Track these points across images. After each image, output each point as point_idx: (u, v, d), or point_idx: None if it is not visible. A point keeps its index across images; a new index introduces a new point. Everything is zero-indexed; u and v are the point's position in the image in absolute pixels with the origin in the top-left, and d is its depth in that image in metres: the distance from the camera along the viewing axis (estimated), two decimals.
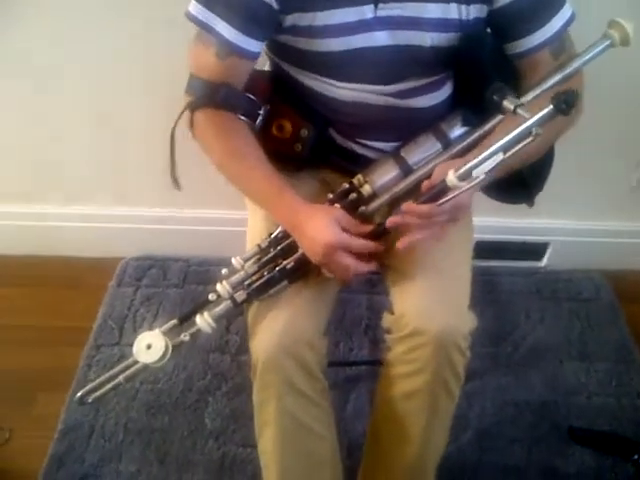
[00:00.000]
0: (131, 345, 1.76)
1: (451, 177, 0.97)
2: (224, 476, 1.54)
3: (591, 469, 1.57)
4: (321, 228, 1.06)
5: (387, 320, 1.17)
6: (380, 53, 1.10)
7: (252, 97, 1.17)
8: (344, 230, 1.07)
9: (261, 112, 1.18)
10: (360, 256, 1.09)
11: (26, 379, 1.75)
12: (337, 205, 1.13)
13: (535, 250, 2.10)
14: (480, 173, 0.96)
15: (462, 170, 0.96)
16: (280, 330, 1.11)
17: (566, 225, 2.03)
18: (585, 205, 1.99)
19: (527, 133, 0.92)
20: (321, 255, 1.07)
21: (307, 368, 1.13)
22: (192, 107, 1.12)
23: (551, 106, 0.89)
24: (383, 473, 1.28)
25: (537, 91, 1.01)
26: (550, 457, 1.59)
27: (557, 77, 1.01)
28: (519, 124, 0.93)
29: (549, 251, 2.09)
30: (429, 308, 1.12)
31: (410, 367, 1.13)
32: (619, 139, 1.82)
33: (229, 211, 1.97)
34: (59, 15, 1.62)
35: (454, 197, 0.99)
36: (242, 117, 1.15)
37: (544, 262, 2.12)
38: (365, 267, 1.10)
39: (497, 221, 2.00)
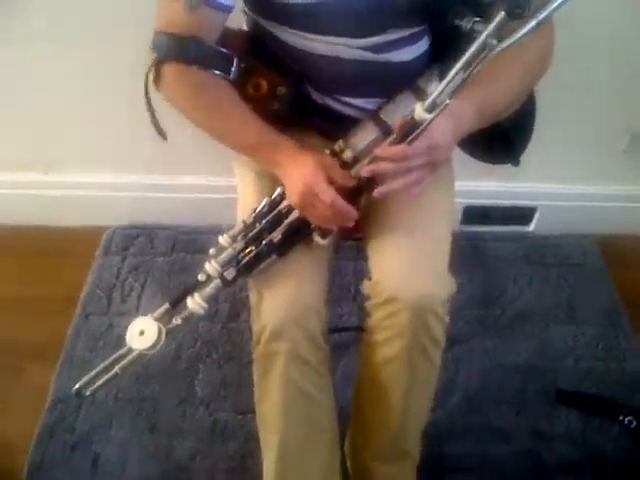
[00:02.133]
0: (119, 314, 1.80)
1: (419, 110, 0.95)
2: (215, 443, 1.55)
3: (577, 430, 1.59)
4: (304, 170, 1.05)
5: (366, 286, 1.17)
6: (352, 3, 1.07)
7: (224, 50, 1.13)
8: (330, 177, 1.05)
9: (234, 67, 1.13)
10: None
11: (15, 350, 1.74)
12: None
13: (523, 215, 2.10)
14: (444, 99, 0.94)
15: (429, 101, 0.94)
16: (287, 299, 1.11)
17: (554, 189, 2.03)
18: (573, 169, 1.98)
19: (483, 46, 0.90)
20: (298, 198, 1.05)
21: (312, 336, 1.13)
22: (159, 61, 1.08)
23: (503, 12, 0.86)
24: (366, 437, 1.30)
25: (511, 39, 0.96)
26: (537, 419, 1.61)
27: (532, 23, 0.98)
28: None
29: (537, 216, 2.09)
30: (405, 274, 1.11)
31: (388, 333, 1.13)
32: (609, 103, 1.81)
33: (217, 178, 1.96)
34: None
35: (422, 130, 0.96)
36: (216, 72, 1.11)
37: (532, 227, 2.12)
38: (346, 208, 1.05)
39: (484, 185, 2.00)
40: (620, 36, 1.65)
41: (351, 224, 1.09)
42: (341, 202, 1.04)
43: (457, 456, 1.53)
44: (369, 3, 1.07)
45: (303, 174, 1.04)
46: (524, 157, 1.32)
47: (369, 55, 1.14)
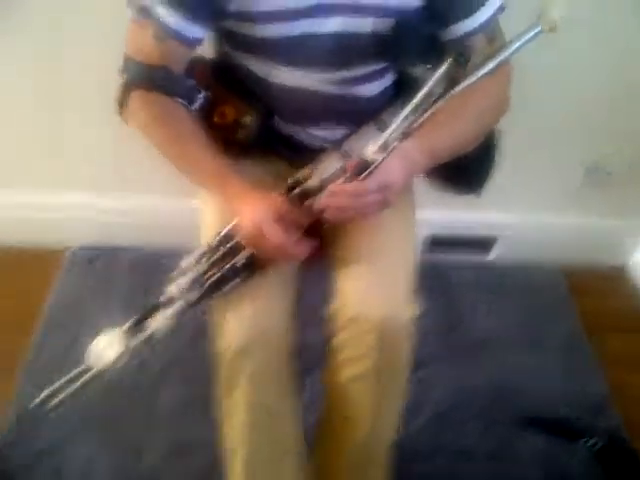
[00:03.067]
0: (79, 336, 1.76)
1: (369, 151, 1.00)
2: (179, 461, 1.53)
3: (542, 452, 1.62)
4: (254, 207, 1.06)
5: (331, 308, 1.18)
6: (323, 40, 1.11)
7: (189, 81, 1.15)
8: (280, 215, 1.06)
9: (200, 96, 1.16)
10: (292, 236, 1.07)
11: None
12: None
13: (483, 243, 2.14)
14: (394, 140, 0.99)
15: (379, 143, 0.99)
16: (251, 318, 1.10)
17: (514, 219, 2.07)
18: (533, 199, 2.03)
19: (430, 94, 0.97)
20: (247, 236, 1.07)
21: (278, 354, 1.14)
22: (127, 87, 1.10)
23: (450, 59, 0.93)
24: (334, 455, 1.29)
25: (473, 79, 1.03)
26: (501, 442, 1.63)
27: (491, 64, 1.03)
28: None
29: (497, 244, 2.13)
30: (367, 295, 1.13)
31: (354, 352, 1.14)
32: (567, 135, 1.87)
33: (180, 199, 1.94)
34: None
35: (373, 170, 1.00)
36: (180, 100, 1.13)
37: (492, 255, 2.16)
38: (293, 248, 1.07)
39: (447, 215, 2.03)
40: (581, 63, 1.71)
41: (301, 259, 1.11)
42: (289, 243, 1.06)
43: (424, 474, 1.55)
44: (336, 40, 1.11)
45: (251, 214, 1.06)
46: (485, 187, 1.36)
47: (336, 89, 1.18)
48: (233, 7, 1.07)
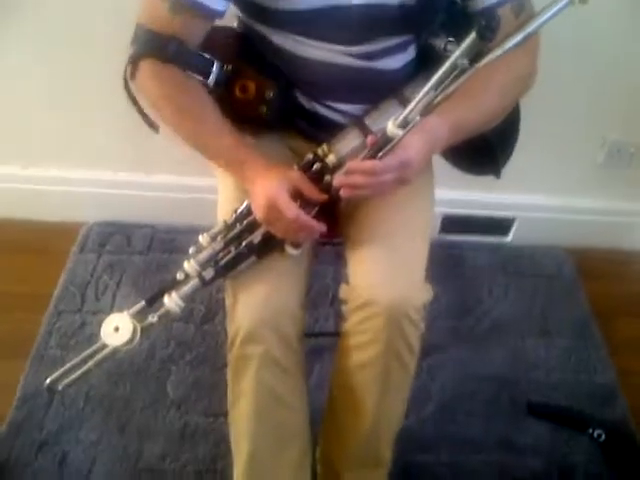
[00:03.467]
0: (93, 313, 1.78)
1: (390, 127, 0.97)
2: (185, 445, 1.54)
3: (547, 442, 1.60)
4: (270, 183, 1.05)
5: (343, 291, 1.17)
6: (348, 12, 1.08)
7: (205, 55, 1.13)
8: (297, 191, 1.05)
9: (214, 70, 1.13)
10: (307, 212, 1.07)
11: None
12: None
13: (501, 225, 2.11)
14: (415, 116, 0.96)
15: (401, 118, 0.96)
16: (261, 302, 1.10)
17: (532, 201, 2.05)
18: (552, 182, 2.00)
19: (454, 67, 0.91)
20: (262, 211, 1.05)
21: (287, 340, 1.13)
22: (137, 56, 1.07)
23: (474, 34, 0.88)
24: (339, 442, 1.30)
25: (498, 52, 1.00)
26: (507, 430, 1.62)
27: (518, 37, 0.99)
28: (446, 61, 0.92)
29: (515, 226, 2.10)
30: (381, 279, 1.12)
31: (363, 338, 1.13)
32: (586, 116, 1.84)
33: (196, 178, 1.95)
34: None
35: (393, 146, 0.98)
36: (194, 75, 1.11)
37: (510, 237, 2.13)
38: (310, 222, 1.06)
39: (464, 195, 2.01)
40: (601, 52, 1.67)
41: (316, 236, 1.10)
42: (304, 217, 1.04)
43: (428, 464, 1.54)
44: (363, 12, 1.08)
45: (267, 189, 1.04)
46: (504, 168, 1.33)
47: (359, 62, 1.15)
48: None
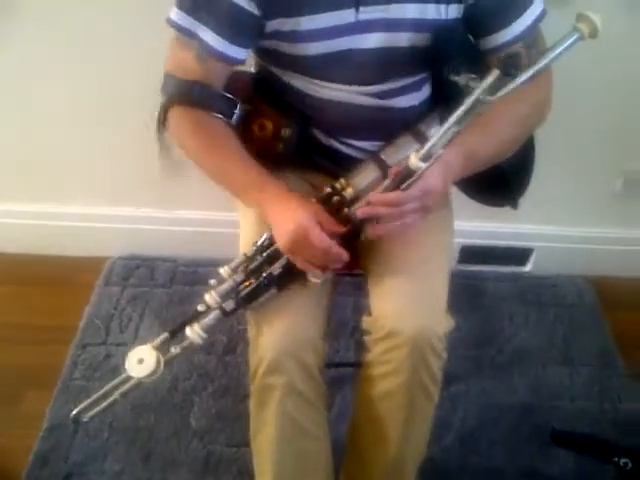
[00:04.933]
0: (117, 344, 1.81)
1: (413, 160, 0.98)
2: (208, 476, 1.55)
3: (572, 471, 1.59)
4: (297, 212, 1.06)
5: (365, 322, 1.18)
6: (362, 55, 1.11)
7: (228, 95, 1.17)
8: (321, 223, 1.06)
9: (237, 111, 1.18)
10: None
11: (12, 377, 1.74)
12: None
13: (520, 255, 2.12)
14: (438, 149, 0.98)
15: (423, 151, 0.98)
16: (284, 333, 1.11)
17: (551, 231, 2.05)
18: (570, 211, 2.01)
19: (477, 103, 0.94)
20: (289, 240, 1.06)
21: (309, 371, 1.14)
22: (167, 104, 1.13)
23: (497, 70, 0.90)
24: (362, 474, 1.29)
25: (510, 87, 1.00)
26: (532, 460, 1.61)
27: (530, 72, 1.01)
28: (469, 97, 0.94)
29: (533, 256, 2.11)
30: (404, 309, 1.13)
31: (386, 368, 1.14)
32: (602, 146, 1.84)
33: (218, 212, 1.98)
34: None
35: (417, 178, 1.00)
36: (218, 115, 1.15)
37: (529, 267, 2.13)
38: (340, 251, 1.07)
39: (483, 226, 2.02)
40: (618, 81, 1.69)
41: (339, 266, 1.11)
42: (336, 247, 1.06)
43: None
44: (375, 55, 1.11)
45: (296, 219, 1.05)
46: (522, 198, 1.35)
47: (375, 101, 1.19)
48: (273, 27, 1.08)
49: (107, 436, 1.61)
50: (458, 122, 0.96)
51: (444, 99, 1.19)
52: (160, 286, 2.03)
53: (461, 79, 0.99)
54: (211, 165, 1.17)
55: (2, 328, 1.88)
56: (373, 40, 1.10)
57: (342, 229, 1.09)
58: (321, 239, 1.04)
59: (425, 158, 0.98)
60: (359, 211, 1.06)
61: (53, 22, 1.65)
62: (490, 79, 0.92)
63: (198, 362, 1.79)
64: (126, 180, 1.96)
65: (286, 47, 1.11)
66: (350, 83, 1.16)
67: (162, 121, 1.15)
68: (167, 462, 1.57)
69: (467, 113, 0.95)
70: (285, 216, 1.07)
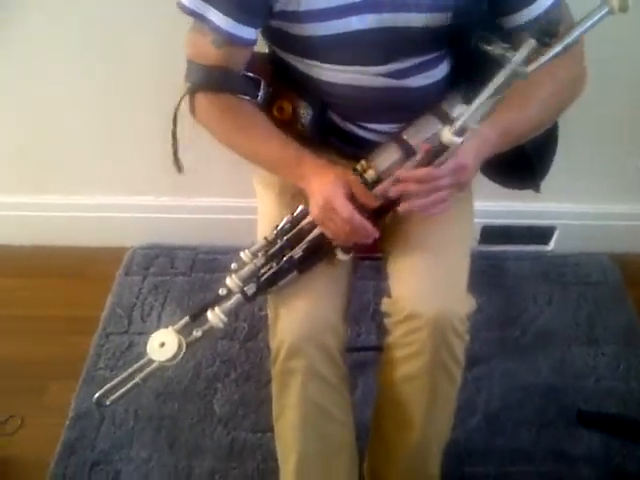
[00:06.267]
0: (139, 333, 1.82)
1: (446, 134, 0.96)
2: (233, 461, 1.55)
3: (599, 452, 1.57)
4: (327, 184, 1.06)
5: (385, 304, 1.17)
6: (370, 35, 1.09)
7: (250, 75, 1.17)
8: (352, 194, 1.06)
9: (261, 91, 1.18)
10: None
11: (37, 368, 1.76)
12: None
13: (542, 234, 2.10)
14: (474, 123, 0.95)
15: (457, 125, 0.95)
16: (304, 316, 1.11)
17: (573, 209, 2.03)
18: (591, 188, 1.98)
19: (514, 74, 0.91)
20: (318, 208, 1.06)
21: (329, 354, 1.14)
22: (192, 91, 1.13)
23: (533, 40, 0.88)
24: (387, 457, 1.29)
25: (538, 63, 0.97)
26: (558, 440, 1.59)
27: (557, 48, 0.97)
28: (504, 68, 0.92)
29: (556, 235, 2.08)
30: (424, 291, 1.12)
31: (408, 350, 1.13)
32: (625, 121, 1.81)
33: (236, 199, 1.98)
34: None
35: (451, 153, 0.98)
36: (244, 96, 1.15)
37: (551, 246, 2.11)
38: (364, 224, 1.06)
39: (504, 205, 2.00)
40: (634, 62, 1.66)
41: (369, 241, 1.10)
42: (358, 218, 1.05)
43: (478, 477, 1.52)
44: (385, 35, 1.09)
45: (323, 188, 1.06)
46: (542, 181, 1.33)
47: (390, 81, 1.16)
48: (278, 7, 1.07)
49: (132, 424, 1.62)
50: (493, 95, 0.93)
51: (465, 76, 1.17)
52: (181, 274, 2.04)
53: (494, 49, 0.96)
54: (245, 145, 1.17)
55: (25, 320, 1.90)
56: (379, 20, 1.07)
57: (376, 202, 1.08)
58: (344, 208, 1.04)
59: (459, 133, 0.96)
60: (392, 189, 1.04)
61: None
62: (527, 49, 0.88)
63: (221, 349, 1.80)
64: (144, 170, 1.96)
65: (292, 28, 1.10)
66: (358, 64, 1.14)
67: (191, 109, 1.15)
68: (192, 449, 1.58)
69: (502, 85, 0.92)
70: (318, 183, 1.08)
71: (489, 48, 0.97)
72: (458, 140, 0.96)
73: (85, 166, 1.98)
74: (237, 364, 1.76)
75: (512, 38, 1.10)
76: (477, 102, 0.94)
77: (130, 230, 2.12)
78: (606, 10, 0.96)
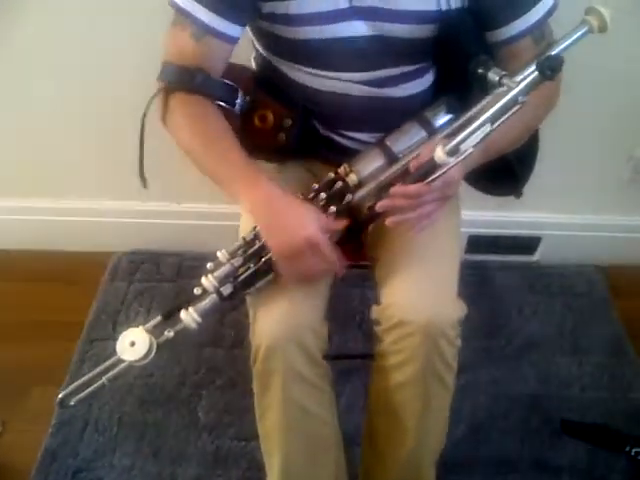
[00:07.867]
0: None
1: (439, 153, 0.96)
2: (218, 469, 1.54)
3: (583, 462, 1.58)
4: (303, 220, 1.03)
5: (375, 312, 1.17)
6: (356, 42, 1.10)
7: (228, 82, 1.16)
8: (327, 229, 1.05)
9: (239, 100, 1.16)
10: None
11: (20, 373, 1.75)
12: (322, 194, 1.10)
13: (528, 244, 2.10)
14: (468, 147, 0.96)
15: (450, 145, 0.95)
16: (281, 316, 1.10)
17: (558, 219, 2.04)
18: (577, 199, 1.99)
19: (513, 102, 0.92)
20: (294, 248, 1.03)
21: (309, 353, 1.13)
22: (166, 92, 1.11)
23: (536, 72, 0.89)
24: (380, 467, 1.28)
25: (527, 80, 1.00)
26: (543, 450, 1.60)
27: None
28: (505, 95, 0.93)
29: (541, 245, 2.09)
30: (414, 298, 1.12)
31: (399, 357, 1.13)
32: (611, 132, 1.83)
33: (223, 205, 1.97)
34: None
35: (443, 173, 0.98)
36: (220, 103, 1.14)
37: (537, 256, 2.12)
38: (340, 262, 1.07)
39: (490, 215, 2.01)
40: (621, 67, 1.67)
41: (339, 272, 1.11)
42: (340, 260, 1.07)
43: None
44: (372, 43, 1.10)
45: (305, 227, 1.02)
46: (528, 187, 1.34)
47: (372, 90, 1.17)
48: (267, 9, 1.08)
49: (116, 431, 1.61)
50: (491, 121, 0.94)
51: (450, 85, 1.18)
52: (166, 280, 2.03)
53: (492, 74, 0.98)
54: (203, 156, 1.12)
55: (9, 325, 1.88)
56: (367, 28, 1.08)
57: (343, 224, 1.08)
58: (330, 252, 1.04)
59: (452, 152, 0.96)
60: (379, 204, 1.04)
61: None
62: (529, 80, 0.91)
63: (206, 356, 1.79)
64: (130, 175, 1.94)
65: (280, 30, 1.10)
66: (343, 70, 1.14)
67: (161, 111, 1.12)
68: (176, 456, 1.57)
69: (499, 111, 0.94)
70: (292, 225, 1.03)
71: (488, 73, 0.99)
72: (450, 160, 0.96)
73: (71, 171, 1.97)
74: (222, 371, 1.75)
75: (494, 52, 1.11)
76: (473, 126, 0.95)
77: (116, 235, 2.11)
78: (585, 29, 0.97)
